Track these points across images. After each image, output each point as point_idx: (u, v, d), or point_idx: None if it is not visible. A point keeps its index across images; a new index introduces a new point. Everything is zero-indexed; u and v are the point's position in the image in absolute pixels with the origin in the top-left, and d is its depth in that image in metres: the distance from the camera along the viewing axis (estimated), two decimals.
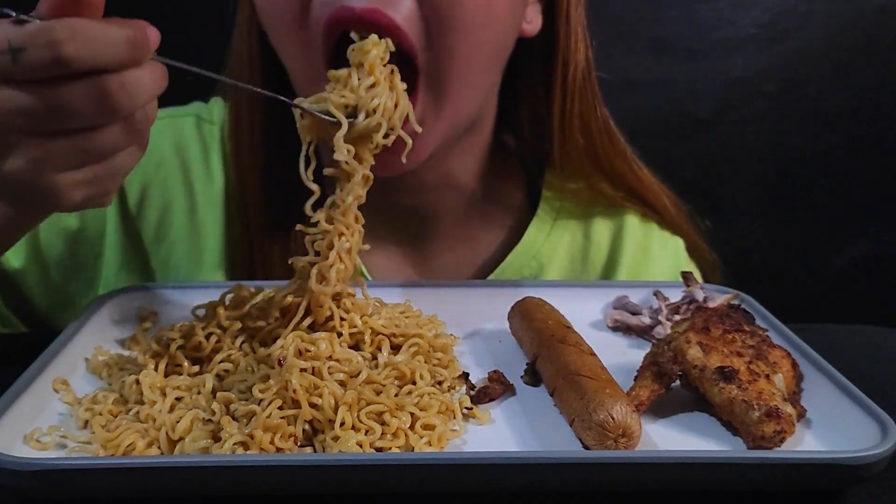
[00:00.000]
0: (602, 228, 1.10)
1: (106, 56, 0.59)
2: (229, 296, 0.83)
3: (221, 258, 1.03)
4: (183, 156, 1.06)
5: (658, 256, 1.10)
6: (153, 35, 0.61)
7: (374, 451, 0.65)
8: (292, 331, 0.74)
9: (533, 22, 0.98)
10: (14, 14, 0.58)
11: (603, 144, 1.04)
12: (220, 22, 1.01)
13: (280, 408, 0.67)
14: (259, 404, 0.67)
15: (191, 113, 1.09)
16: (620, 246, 1.09)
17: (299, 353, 0.71)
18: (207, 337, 0.78)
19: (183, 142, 1.07)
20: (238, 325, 0.79)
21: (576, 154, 1.03)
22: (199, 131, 1.07)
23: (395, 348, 0.79)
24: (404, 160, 0.82)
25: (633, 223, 1.10)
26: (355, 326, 0.78)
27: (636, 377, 0.73)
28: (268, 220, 0.99)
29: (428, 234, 1.08)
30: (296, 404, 0.67)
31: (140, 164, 1.02)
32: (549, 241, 1.08)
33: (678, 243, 1.12)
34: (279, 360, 0.70)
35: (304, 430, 0.66)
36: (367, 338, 0.78)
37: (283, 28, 0.87)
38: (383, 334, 0.79)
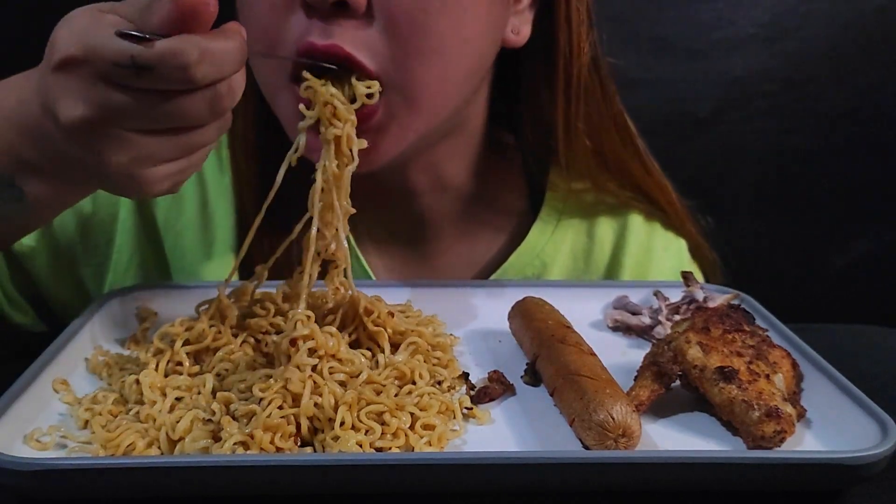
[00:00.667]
0: (605, 229, 1.09)
1: (227, 71, 0.63)
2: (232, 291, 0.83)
3: (232, 249, 1.03)
4: None
5: (661, 258, 1.10)
6: (246, 35, 0.65)
7: (374, 451, 0.65)
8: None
9: (520, 32, 0.95)
10: (138, 34, 0.60)
11: (612, 143, 1.03)
12: None
13: (280, 407, 0.67)
14: (259, 403, 0.67)
15: None
16: (624, 247, 1.08)
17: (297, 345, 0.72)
18: (210, 328, 0.78)
19: None
20: (235, 311, 0.79)
21: (582, 155, 1.02)
22: None
23: (395, 347, 0.79)
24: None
25: (637, 224, 1.09)
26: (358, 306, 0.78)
27: (636, 377, 0.73)
28: (265, 223, 0.99)
29: (427, 236, 1.07)
30: (296, 402, 0.67)
31: None
32: (552, 241, 1.08)
33: (681, 244, 1.12)
34: (291, 341, 0.70)
35: (306, 427, 0.66)
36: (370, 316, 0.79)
37: (259, 53, 0.87)
38: (380, 326, 0.78)
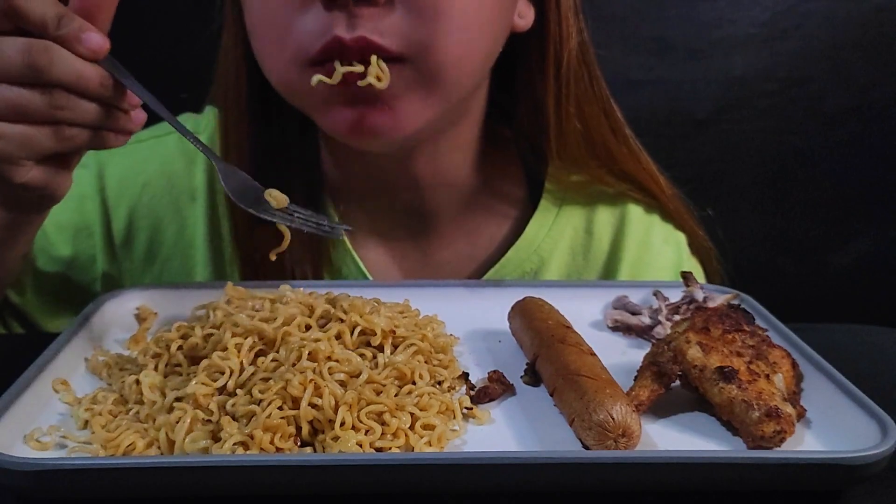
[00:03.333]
0: (604, 223, 1.09)
1: (34, 13, 0.66)
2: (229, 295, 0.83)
3: (210, 274, 1.05)
4: (168, 175, 1.07)
5: (660, 251, 1.10)
6: (97, 38, 0.68)
7: (374, 451, 0.65)
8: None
9: (526, 16, 0.98)
10: None
11: (600, 128, 1.04)
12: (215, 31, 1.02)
13: (280, 407, 0.67)
14: (259, 404, 0.67)
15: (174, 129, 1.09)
16: (622, 241, 1.09)
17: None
18: (206, 337, 0.77)
19: (167, 161, 1.07)
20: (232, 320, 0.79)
21: (573, 139, 1.03)
22: (183, 147, 1.07)
23: (395, 347, 0.79)
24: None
25: (635, 218, 1.09)
26: (356, 325, 0.77)
27: (636, 377, 0.73)
28: (255, 226, 0.99)
29: (427, 230, 1.08)
30: (296, 403, 0.67)
31: (125, 189, 1.06)
32: (551, 235, 1.08)
33: (680, 238, 1.12)
34: (293, 363, 0.70)
35: (306, 429, 0.66)
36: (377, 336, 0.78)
37: (272, 40, 0.88)
38: (383, 330, 0.78)
